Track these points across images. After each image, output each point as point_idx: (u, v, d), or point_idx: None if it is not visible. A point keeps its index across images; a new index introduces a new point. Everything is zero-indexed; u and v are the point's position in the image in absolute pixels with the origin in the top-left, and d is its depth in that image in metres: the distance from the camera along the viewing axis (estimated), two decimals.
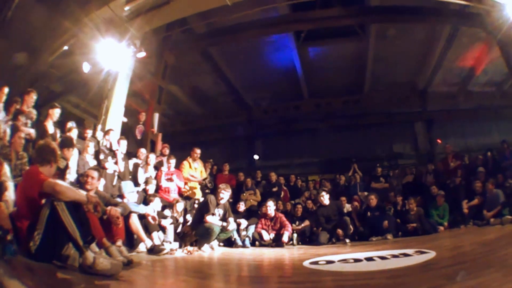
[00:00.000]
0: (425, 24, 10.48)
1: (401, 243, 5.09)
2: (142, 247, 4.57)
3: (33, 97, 5.43)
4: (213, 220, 5.14)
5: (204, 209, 5.23)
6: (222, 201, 5.42)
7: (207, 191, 7.11)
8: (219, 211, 5.39)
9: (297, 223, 6.82)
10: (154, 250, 4.39)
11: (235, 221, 5.60)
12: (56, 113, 5.47)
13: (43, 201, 2.51)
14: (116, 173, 5.86)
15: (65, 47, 7.73)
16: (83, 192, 2.98)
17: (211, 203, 5.22)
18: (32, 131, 5.04)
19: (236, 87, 13.11)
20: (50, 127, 5.40)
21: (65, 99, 10.18)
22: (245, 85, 13.06)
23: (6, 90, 5.02)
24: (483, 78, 14.35)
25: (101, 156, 5.73)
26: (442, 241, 5.04)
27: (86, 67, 7.32)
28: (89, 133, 6.09)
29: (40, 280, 2.14)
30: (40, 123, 5.37)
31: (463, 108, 14.91)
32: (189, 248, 4.96)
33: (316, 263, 3.43)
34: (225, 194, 5.43)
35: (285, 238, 5.90)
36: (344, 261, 3.40)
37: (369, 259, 3.34)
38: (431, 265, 2.81)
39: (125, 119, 7.99)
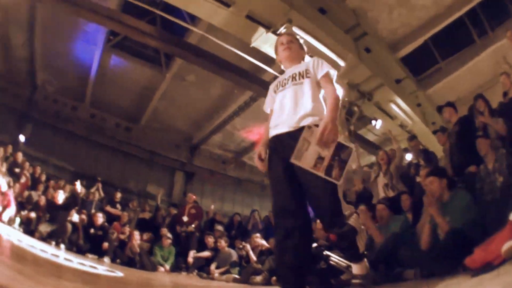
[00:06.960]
0: (226, 81, 9.97)
1: (112, 266, 5.30)
2: None
3: None
4: None
5: None
6: None
7: None
8: None
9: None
10: None
11: None
12: None
13: None
14: None
15: None
16: None
17: None
18: None
19: (36, 58, 10.90)
20: None
21: None
22: (44, 61, 10.95)
23: None
24: None
25: None
26: (148, 276, 5.21)
27: None
28: None
29: None
30: None
31: (230, 175, 15.27)
32: None
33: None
34: None
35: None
36: (44, 251, 4.18)
37: (68, 259, 4.26)
38: (101, 278, 3.59)
39: None
